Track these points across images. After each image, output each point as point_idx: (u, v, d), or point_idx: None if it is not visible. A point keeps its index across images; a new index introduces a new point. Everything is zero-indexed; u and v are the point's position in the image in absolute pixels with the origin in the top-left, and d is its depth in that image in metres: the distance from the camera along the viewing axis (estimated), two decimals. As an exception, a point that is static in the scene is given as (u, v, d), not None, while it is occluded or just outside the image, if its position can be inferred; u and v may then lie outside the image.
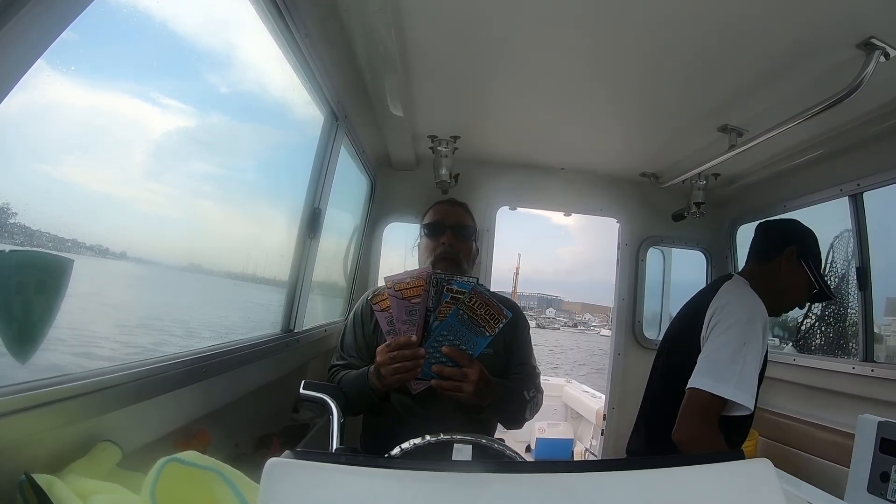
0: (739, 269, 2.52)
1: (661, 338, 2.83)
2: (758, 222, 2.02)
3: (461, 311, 1.36)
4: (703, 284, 3.30)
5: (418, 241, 1.83)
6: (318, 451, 0.61)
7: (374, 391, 1.51)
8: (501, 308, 1.38)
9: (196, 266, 1.61)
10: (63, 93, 0.87)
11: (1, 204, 0.78)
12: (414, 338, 1.38)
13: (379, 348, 1.47)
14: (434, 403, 1.53)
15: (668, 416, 1.62)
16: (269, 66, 1.61)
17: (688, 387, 1.55)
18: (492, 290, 1.62)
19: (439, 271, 1.42)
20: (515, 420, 1.65)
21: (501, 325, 1.39)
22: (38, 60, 0.69)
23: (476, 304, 1.36)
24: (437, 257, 1.71)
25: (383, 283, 1.45)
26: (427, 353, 1.38)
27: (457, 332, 1.37)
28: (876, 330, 2.30)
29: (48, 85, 0.81)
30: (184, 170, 1.42)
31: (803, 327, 2.90)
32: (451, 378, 1.37)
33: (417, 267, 1.79)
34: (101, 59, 0.97)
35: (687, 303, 1.90)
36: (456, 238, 1.74)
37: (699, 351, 1.63)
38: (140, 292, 1.42)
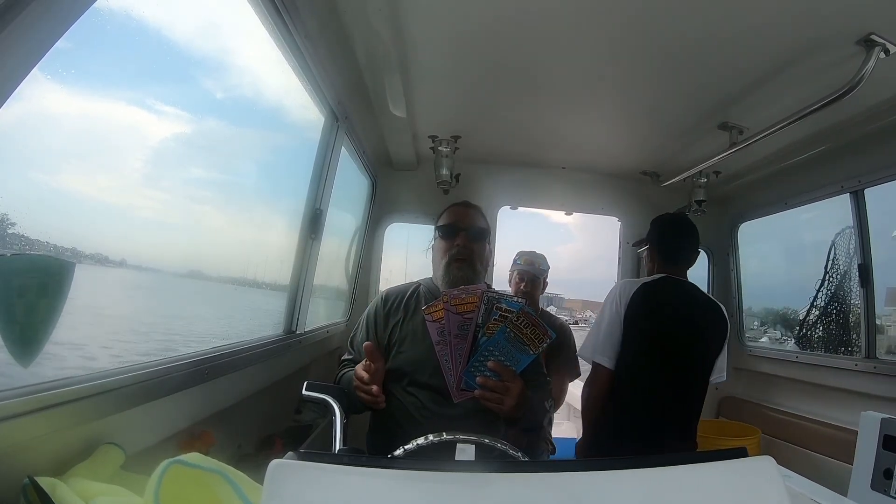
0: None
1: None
2: (665, 215, 2.28)
3: (508, 329, 1.40)
4: (704, 282, 3.33)
5: (432, 242, 1.84)
6: (320, 452, 0.61)
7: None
8: (546, 328, 1.42)
9: (196, 272, 1.61)
10: (64, 101, 0.87)
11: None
12: (375, 388, 1.46)
13: (357, 366, 1.53)
14: (446, 404, 1.54)
15: (698, 407, 2.05)
16: (268, 67, 1.61)
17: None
18: (493, 288, 1.64)
19: (491, 290, 1.45)
20: (536, 428, 1.68)
21: (545, 345, 1.43)
22: (36, 69, 0.69)
23: (523, 324, 1.40)
24: (451, 258, 1.71)
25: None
26: (382, 396, 1.49)
27: (502, 348, 1.41)
28: (877, 321, 2.30)
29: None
30: (184, 175, 1.42)
31: (807, 323, 2.90)
32: (495, 391, 1.41)
33: (427, 268, 1.83)
34: (98, 67, 0.97)
35: (705, 312, 2.06)
36: (469, 240, 1.74)
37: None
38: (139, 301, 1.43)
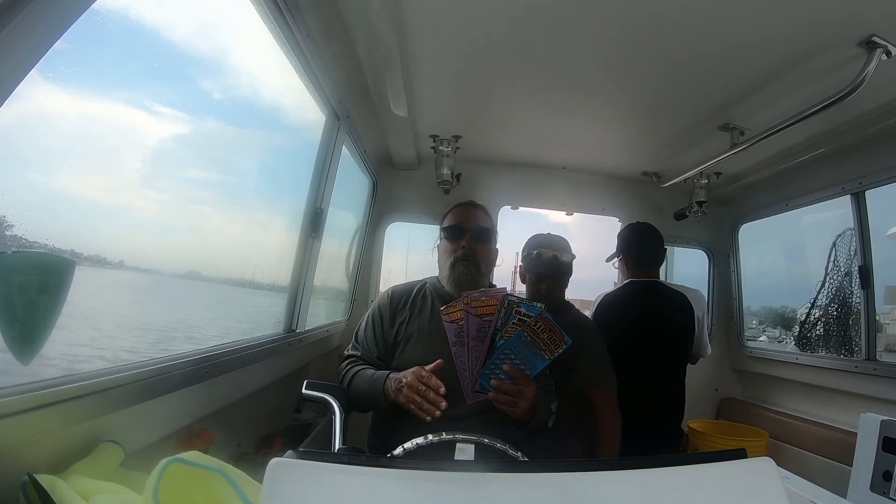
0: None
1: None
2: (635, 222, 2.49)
3: (525, 334, 1.42)
4: (705, 283, 3.33)
5: (438, 242, 1.84)
6: (320, 451, 0.61)
7: (385, 398, 1.53)
8: (563, 335, 1.43)
9: (195, 273, 1.61)
10: (63, 101, 0.87)
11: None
12: (443, 389, 1.41)
13: (415, 369, 1.47)
14: (450, 404, 1.54)
15: (679, 398, 2.26)
16: (270, 67, 1.61)
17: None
18: (513, 293, 1.64)
19: (512, 295, 1.47)
20: (541, 429, 1.69)
21: (561, 351, 1.44)
22: (35, 70, 0.69)
23: (540, 329, 1.42)
24: (457, 259, 1.71)
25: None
26: (445, 405, 1.41)
27: (519, 352, 1.43)
28: (878, 319, 2.30)
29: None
30: (185, 175, 1.42)
31: (807, 324, 2.90)
32: (509, 394, 1.42)
33: (425, 268, 1.81)
34: (98, 67, 0.97)
35: (664, 303, 2.29)
36: (475, 241, 1.74)
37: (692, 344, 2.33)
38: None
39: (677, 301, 2.28)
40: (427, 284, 1.80)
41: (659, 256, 2.39)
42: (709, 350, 2.40)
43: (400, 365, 1.62)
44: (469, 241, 1.73)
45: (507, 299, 1.43)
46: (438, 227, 1.87)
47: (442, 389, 1.41)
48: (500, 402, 1.42)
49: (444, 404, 1.39)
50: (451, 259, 1.73)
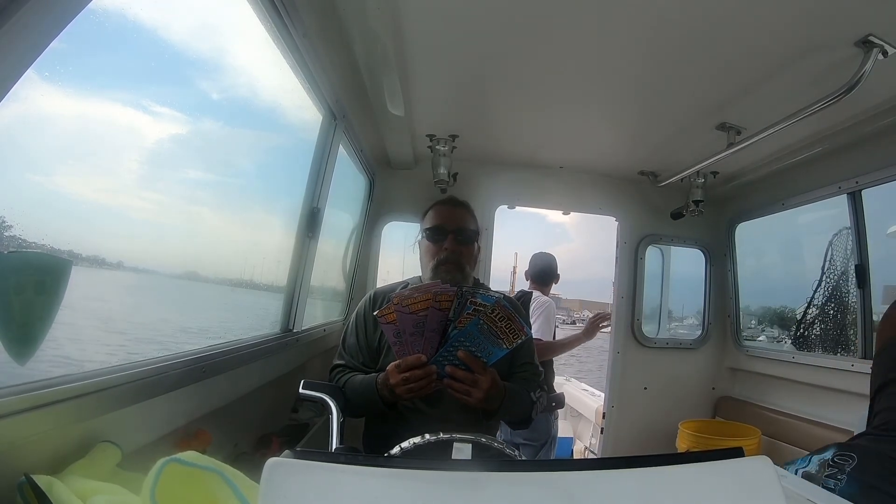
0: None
1: (658, 335, 3.02)
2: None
3: (482, 322, 1.37)
4: (701, 282, 3.35)
5: (419, 238, 1.81)
6: (317, 451, 0.61)
7: (382, 399, 1.50)
8: (523, 325, 1.39)
9: (193, 273, 1.61)
10: (60, 102, 0.87)
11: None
12: (423, 357, 1.39)
13: (389, 367, 1.45)
14: (439, 403, 1.53)
15: None
16: (266, 66, 1.60)
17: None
18: (469, 286, 1.61)
19: (468, 287, 1.43)
20: (523, 421, 1.66)
21: (520, 342, 1.40)
22: (31, 70, 0.69)
23: (498, 317, 1.37)
24: (439, 262, 1.68)
25: (382, 284, 1.46)
26: (436, 370, 1.40)
27: (474, 339, 1.39)
28: (874, 318, 2.30)
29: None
30: (182, 175, 1.42)
31: (804, 323, 2.90)
32: (463, 381, 1.38)
33: (419, 266, 1.79)
34: (94, 67, 0.96)
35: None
36: (458, 243, 1.70)
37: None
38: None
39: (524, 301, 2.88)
40: (409, 285, 1.77)
41: (537, 276, 3.21)
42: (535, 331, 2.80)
43: (384, 367, 1.59)
44: (452, 243, 1.69)
45: (461, 290, 1.38)
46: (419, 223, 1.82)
47: (423, 357, 1.38)
48: (454, 388, 1.39)
49: (432, 368, 1.39)
50: (433, 262, 1.69)
